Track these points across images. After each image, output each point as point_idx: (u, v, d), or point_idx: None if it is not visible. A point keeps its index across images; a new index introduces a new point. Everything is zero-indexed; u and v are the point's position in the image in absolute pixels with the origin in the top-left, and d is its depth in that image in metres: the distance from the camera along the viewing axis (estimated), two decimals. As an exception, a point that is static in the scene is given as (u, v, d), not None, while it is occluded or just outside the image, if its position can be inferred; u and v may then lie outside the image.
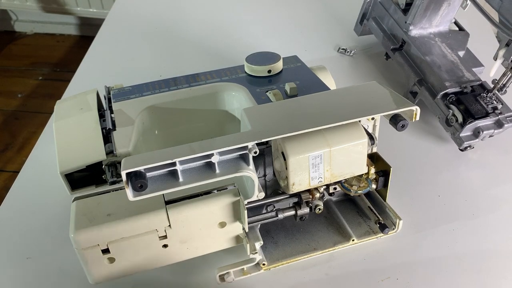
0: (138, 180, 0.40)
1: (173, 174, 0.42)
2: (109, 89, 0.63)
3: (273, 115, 0.48)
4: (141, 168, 0.40)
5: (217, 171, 0.43)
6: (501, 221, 0.59)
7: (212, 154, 0.42)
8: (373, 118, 0.53)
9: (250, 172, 0.44)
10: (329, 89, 0.59)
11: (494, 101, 0.66)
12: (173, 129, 0.60)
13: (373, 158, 0.53)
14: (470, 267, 0.53)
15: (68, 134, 0.55)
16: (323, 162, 0.46)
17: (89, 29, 2.12)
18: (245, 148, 0.43)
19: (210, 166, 0.43)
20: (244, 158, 0.44)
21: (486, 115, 0.64)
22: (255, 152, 0.43)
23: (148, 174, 0.42)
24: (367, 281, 0.52)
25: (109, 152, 0.51)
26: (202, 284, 0.52)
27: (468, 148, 0.67)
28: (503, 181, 0.65)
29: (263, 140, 0.43)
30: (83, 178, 0.52)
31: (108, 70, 0.86)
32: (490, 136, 0.66)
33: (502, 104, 0.66)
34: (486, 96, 0.66)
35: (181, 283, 0.52)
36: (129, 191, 0.41)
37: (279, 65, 0.63)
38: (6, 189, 0.63)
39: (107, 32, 0.96)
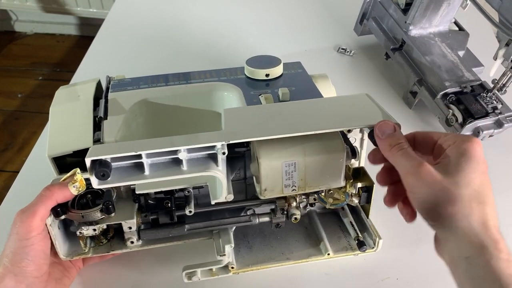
0: (100, 169, 0.40)
1: (140, 166, 0.43)
2: (110, 79, 0.64)
3: (251, 118, 0.48)
4: (106, 157, 0.41)
5: (185, 168, 0.43)
6: (500, 221, 0.59)
7: (179, 151, 0.42)
8: (350, 131, 0.51)
9: (217, 173, 0.44)
10: (322, 97, 0.59)
11: (494, 101, 0.66)
12: (163, 124, 0.61)
13: (359, 173, 0.51)
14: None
15: (61, 120, 0.57)
16: (297, 171, 0.45)
17: (89, 29, 2.12)
18: (213, 147, 0.43)
19: (177, 162, 0.43)
20: (213, 158, 0.44)
21: (486, 115, 0.64)
22: (224, 153, 0.43)
23: (115, 164, 0.42)
24: (367, 281, 0.52)
25: (97, 140, 0.52)
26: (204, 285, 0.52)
27: (468, 148, 0.67)
28: (503, 181, 0.64)
29: (231, 142, 0.43)
30: (75, 164, 0.52)
31: (108, 70, 0.85)
32: (490, 136, 0.66)
33: (502, 104, 0.66)
34: (486, 96, 0.66)
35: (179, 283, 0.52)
36: (93, 179, 0.41)
37: (278, 70, 0.63)
38: (6, 189, 0.63)
39: (107, 32, 0.96)
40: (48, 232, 0.45)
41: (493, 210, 0.39)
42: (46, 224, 0.44)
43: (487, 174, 0.39)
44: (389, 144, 0.42)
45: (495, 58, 0.64)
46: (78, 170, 0.46)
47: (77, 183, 0.45)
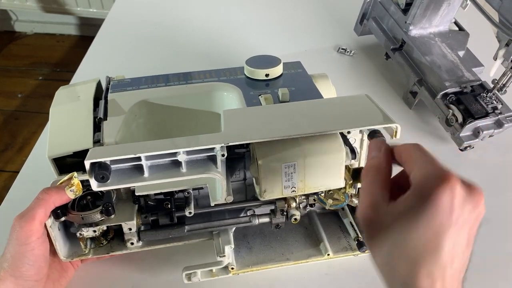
0: (99, 171, 0.40)
1: (139, 168, 0.43)
2: (110, 80, 0.64)
3: (250, 120, 0.47)
4: (106, 160, 0.41)
5: (184, 170, 0.43)
6: (501, 221, 0.59)
7: (178, 153, 0.42)
8: (349, 132, 0.50)
9: (217, 175, 0.44)
10: (322, 97, 0.59)
11: (494, 101, 0.66)
12: (163, 124, 0.61)
13: (359, 173, 0.50)
14: (470, 267, 0.53)
15: (61, 120, 0.57)
16: (297, 172, 0.45)
17: (89, 29, 2.12)
18: (212, 150, 0.43)
19: (177, 164, 0.43)
20: (213, 159, 0.44)
21: (486, 115, 0.64)
22: (223, 155, 0.43)
23: (114, 167, 0.42)
24: (367, 281, 0.52)
25: (97, 141, 0.52)
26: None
27: (468, 148, 0.67)
28: (503, 181, 0.64)
29: (230, 144, 0.43)
30: (75, 164, 0.52)
31: (108, 70, 0.86)
32: (490, 136, 0.66)
33: (502, 104, 0.66)
34: (486, 96, 0.66)
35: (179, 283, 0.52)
36: (92, 181, 0.41)
37: (277, 70, 0.62)
38: (6, 189, 0.63)
39: (107, 32, 0.96)
40: (48, 235, 0.45)
41: (434, 269, 0.32)
42: (46, 226, 0.45)
43: (445, 228, 0.32)
44: (365, 167, 0.38)
45: (495, 58, 0.64)
46: (75, 174, 0.46)
47: (74, 187, 0.45)
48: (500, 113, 0.65)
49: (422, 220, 0.32)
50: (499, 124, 0.65)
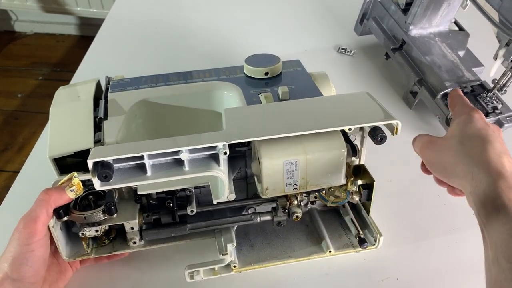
0: (102, 171, 0.41)
1: (142, 167, 0.43)
2: (109, 80, 0.64)
3: (252, 118, 0.48)
4: (108, 159, 0.41)
5: (186, 168, 0.43)
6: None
7: (180, 151, 0.42)
8: (350, 129, 0.51)
9: (219, 173, 0.44)
10: (322, 95, 0.59)
11: (494, 101, 0.66)
12: (163, 124, 0.61)
13: (360, 170, 0.52)
14: (470, 266, 0.53)
15: (61, 120, 0.57)
16: (298, 170, 0.46)
17: (89, 29, 2.12)
18: (214, 148, 0.43)
19: (179, 163, 0.43)
20: (215, 158, 0.44)
21: (486, 115, 0.65)
22: (225, 153, 0.44)
23: (117, 166, 0.42)
24: (367, 281, 0.52)
25: (97, 141, 0.52)
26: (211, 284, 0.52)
27: (468, 148, 0.67)
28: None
29: (232, 142, 0.43)
30: (76, 164, 0.53)
31: (108, 70, 0.86)
32: (490, 136, 0.66)
33: (502, 104, 0.66)
34: (486, 96, 0.66)
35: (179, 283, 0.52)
36: (95, 181, 0.41)
37: (277, 68, 0.62)
38: (6, 189, 0.63)
39: (107, 32, 0.96)
40: (50, 237, 0.46)
41: (496, 145, 0.43)
42: (48, 226, 0.45)
43: (487, 128, 0.45)
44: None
45: (495, 58, 0.64)
46: (75, 174, 0.46)
47: (74, 186, 0.45)
48: (500, 113, 0.65)
49: (471, 123, 0.46)
50: (499, 124, 0.65)
